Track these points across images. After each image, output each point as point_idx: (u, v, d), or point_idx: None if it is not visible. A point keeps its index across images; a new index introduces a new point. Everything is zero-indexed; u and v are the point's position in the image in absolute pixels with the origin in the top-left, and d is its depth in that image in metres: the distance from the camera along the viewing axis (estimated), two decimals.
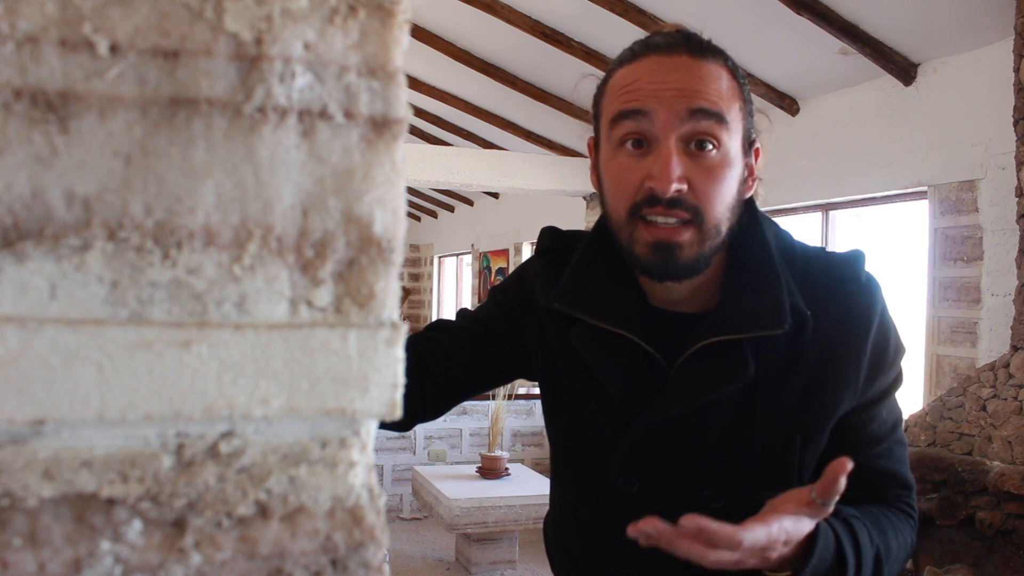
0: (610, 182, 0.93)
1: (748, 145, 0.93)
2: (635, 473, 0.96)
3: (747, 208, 0.96)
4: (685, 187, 0.86)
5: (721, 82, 0.89)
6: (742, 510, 0.93)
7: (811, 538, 0.82)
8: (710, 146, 0.87)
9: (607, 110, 0.93)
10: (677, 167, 0.86)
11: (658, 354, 0.94)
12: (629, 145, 0.89)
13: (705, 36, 0.94)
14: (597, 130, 0.97)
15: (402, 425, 1.04)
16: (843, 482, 0.78)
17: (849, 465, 0.77)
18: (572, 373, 1.00)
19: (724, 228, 0.90)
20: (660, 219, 0.87)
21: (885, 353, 0.94)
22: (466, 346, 1.07)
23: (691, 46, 0.90)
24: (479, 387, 1.11)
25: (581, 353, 0.97)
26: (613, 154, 0.92)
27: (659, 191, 0.86)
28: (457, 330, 1.09)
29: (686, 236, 0.87)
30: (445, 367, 1.05)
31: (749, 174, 0.95)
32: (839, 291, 0.94)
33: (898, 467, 0.96)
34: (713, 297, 0.96)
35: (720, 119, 0.87)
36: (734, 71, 0.92)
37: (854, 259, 0.96)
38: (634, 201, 0.88)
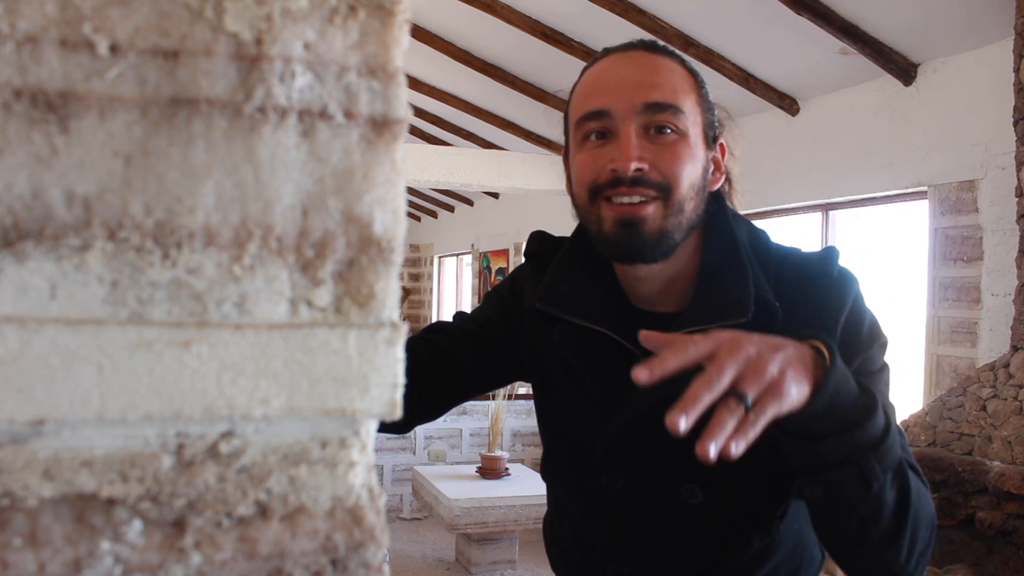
0: (576, 174, 0.96)
1: (711, 139, 0.97)
2: (618, 469, 0.97)
3: (719, 207, 0.99)
4: (646, 166, 0.89)
5: (675, 74, 0.94)
6: (721, 505, 0.94)
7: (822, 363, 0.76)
8: (669, 130, 0.91)
9: (574, 113, 0.97)
10: (636, 148, 0.89)
11: (637, 351, 0.95)
12: (593, 138, 0.93)
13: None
14: (567, 141, 1.01)
15: (401, 426, 1.04)
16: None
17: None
18: (559, 373, 1.02)
19: (688, 208, 0.92)
20: (624, 198, 0.90)
21: (858, 335, 0.94)
22: (464, 348, 1.08)
23: (646, 45, 0.96)
24: (477, 389, 1.12)
25: (563, 351, 0.99)
26: (578, 150, 0.96)
27: (621, 171, 0.89)
28: (455, 332, 1.10)
29: (649, 210, 0.90)
30: (444, 368, 1.06)
31: (716, 168, 0.98)
32: (810, 287, 0.95)
33: None
34: (689, 295, 0.98)
35: (675, 110, 0.91)
36: (691, 70, 0.97)
37: (826, 256, 0.98)
38: (596, 182, 0.92)
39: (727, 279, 0.94)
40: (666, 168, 0.90)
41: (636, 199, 0.90)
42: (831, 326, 0.93)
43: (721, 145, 0.99)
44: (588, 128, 0.93)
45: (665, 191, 0.90)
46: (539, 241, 1.12)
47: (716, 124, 0.98)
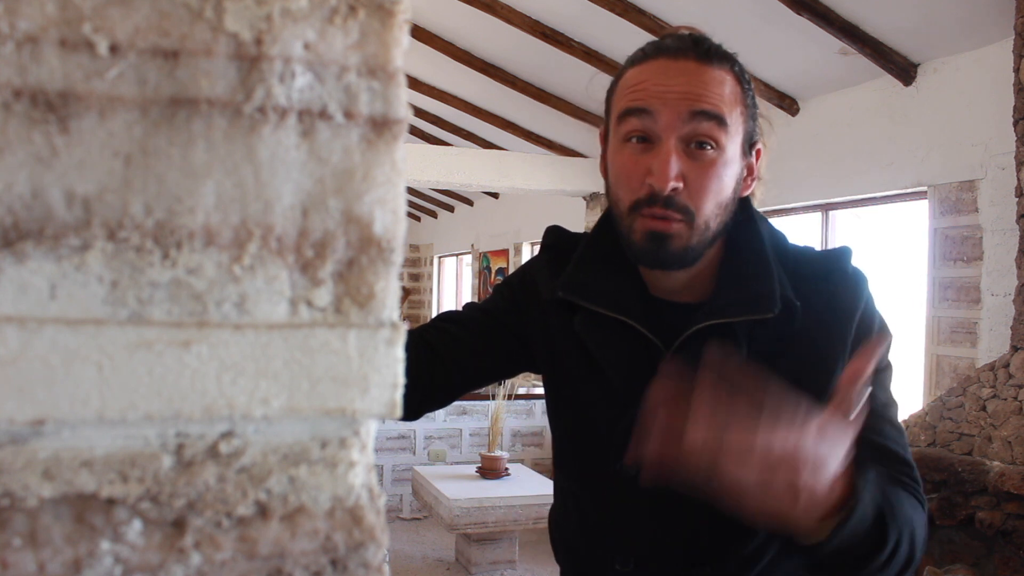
0: (615, 174, 0.98)
1: (749, 146, 0.98)
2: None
3: (744, 206, 1.00)
4: (681, 185, 0.91)
5: (724, 87, 0.93)
6: None
7: (848, 492, 0.80)
8: (709, 147, 0.92)
9: (616, 106, 0.98)
10: (675, 166, 0.91)
11: (657, 340, 0.98)
12: (634, 140, 0.94)
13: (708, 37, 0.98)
14: (608, 124, 1.02)
15: (410, 414, 1.05)
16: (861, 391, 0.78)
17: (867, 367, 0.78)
18: (574, 362, 1.04)
19: (713, 225, 0.94)
20: (657, 212, 0.93)
21: (869, 334, 0.96)
22: (475, 335, 1.10)
23: (699, 51, 0.95)
24: (487, 377, 1.14)
25: (584, 339, 1.01)
26: (619, 148, 0.97)
27: (657, 188, 0.91)
28: (466, 320, 1.12)
29: (676, 227, 0.93)
30: (455, 355, 1.07)
31: (749, 173, 0.99)
32: (825, 283, 0.97)
33: (893, 445, 0.95)
34: (710, 287, 1.00)
35: (720, 121, 0.92)
36: (740, 76, 0.96)
37: (841, 254, 1.01)
38: (637, 198, 0.94)
39: (751, 274, 0.96)
40: (696, 191, 0.92)
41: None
42: (845, 323, 0.95)
43: (758, 150, 1.00)
44: (630, 125, 0.94)
45: (689, 216, 0.92)
46: (556, 235, 1.14)
47: (757, 130, 0.99)
